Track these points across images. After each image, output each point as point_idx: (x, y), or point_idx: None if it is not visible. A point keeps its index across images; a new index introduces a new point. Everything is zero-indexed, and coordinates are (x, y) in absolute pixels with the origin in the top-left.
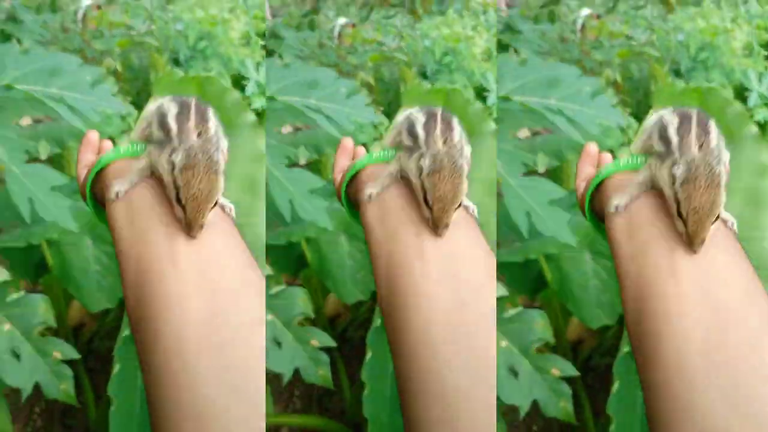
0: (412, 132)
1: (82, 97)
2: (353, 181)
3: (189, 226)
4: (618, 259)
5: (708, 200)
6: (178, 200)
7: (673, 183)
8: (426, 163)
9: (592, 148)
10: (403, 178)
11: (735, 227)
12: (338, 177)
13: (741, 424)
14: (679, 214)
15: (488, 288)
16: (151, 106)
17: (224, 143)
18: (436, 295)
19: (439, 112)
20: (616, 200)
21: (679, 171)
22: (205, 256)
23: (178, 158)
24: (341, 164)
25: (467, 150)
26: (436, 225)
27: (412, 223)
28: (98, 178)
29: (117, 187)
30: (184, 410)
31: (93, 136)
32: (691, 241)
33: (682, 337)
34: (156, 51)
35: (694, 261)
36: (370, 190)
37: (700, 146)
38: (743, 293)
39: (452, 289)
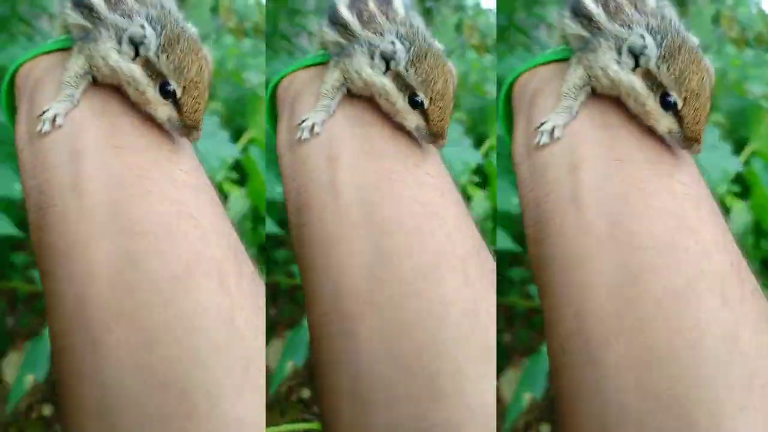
0: (335, 18)
1: None
2: (276, 94)
3: (189, 127)
4: (519, 185)
5: (704, 77)
6: (165, 93)
7: (636, 65)
8: (398, 47)
9: None
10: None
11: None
12: None
13: (652, 397)
14: (666, 105)
15: (433, 234)
16: None
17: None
18: (351, 243)
19: None
20: (551, 120)
21: (649, 42)
22: (122, 181)
23: (148, 32)
24: None
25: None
26: (437, 133)
27: (327, 144)
28: (19, 82)
29: (53, 110)
30: (89, 403)
31: None
32: (693, 137)
33: (585, 291)
34: None
35: (603, 183)
36: (310, 119)
37: (635, 5)
38: (676, 228)
39: (374, 235)
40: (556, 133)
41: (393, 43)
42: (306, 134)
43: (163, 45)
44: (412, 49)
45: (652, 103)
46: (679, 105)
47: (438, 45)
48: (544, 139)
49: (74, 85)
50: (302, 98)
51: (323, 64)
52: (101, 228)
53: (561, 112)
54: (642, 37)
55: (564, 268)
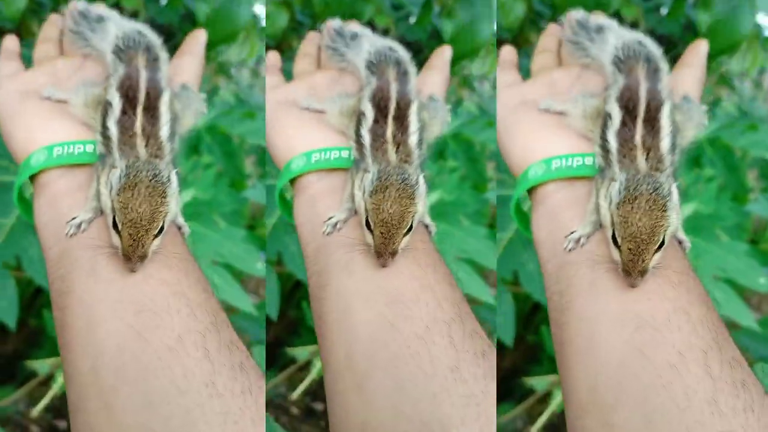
0: (359, 135)
1: None
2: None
3: (126, 257)
4: (545, 280)
5: (647, 224)
6: (115, 225)
7: (610, 203)
8: (368, 180)
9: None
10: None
11: (687, 250)
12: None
13: None
14: (615, 241)
15: (427, 303)
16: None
17: (182, 127)
18: (362, 313)
19: (392, 101)
20: (579, 231)
21: (615, 190)
22: (133, 299)
23: (115, 177)
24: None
25: (440, 123)
26: (378, 253)
27: (340, 243)
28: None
29: (80, 218)
30: None
31: (11, 43)
32: (627, 272)
33: (598, 366)
34: None
35: (616, 277)
36: (335, 218)
37: (647, 153)
38: (672, 310)
39: (379, 305)
40: (582, 241)
41: (368, 176)
42: (330, 229)
43: (119, 188)
44: (379, 183)
45: (608, 236)
46: (619, 243)
47: (415, 175)
48: (571, 245)
49: (96, 199)
50: (324, 200)
51: (343, 169)
52: (112, 308)
53: (587, 225)
54: (615, 185)
55: (581, 349)
